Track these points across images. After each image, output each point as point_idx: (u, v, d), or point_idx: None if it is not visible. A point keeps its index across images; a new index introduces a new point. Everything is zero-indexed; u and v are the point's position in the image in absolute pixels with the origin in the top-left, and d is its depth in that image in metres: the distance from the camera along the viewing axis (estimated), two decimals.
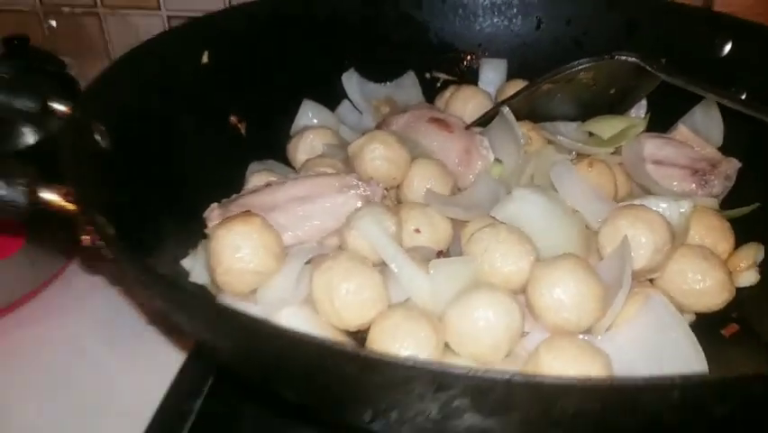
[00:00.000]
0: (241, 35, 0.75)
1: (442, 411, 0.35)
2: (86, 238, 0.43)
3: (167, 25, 1.12)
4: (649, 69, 0.65)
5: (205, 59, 0.71)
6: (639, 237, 0.55)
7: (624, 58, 0.65)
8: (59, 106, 0.52)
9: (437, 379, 0.33)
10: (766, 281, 0.60)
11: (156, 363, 0.65)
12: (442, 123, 0.72)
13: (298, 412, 0.54)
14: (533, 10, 0.84)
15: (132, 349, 0.68)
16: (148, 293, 0.43)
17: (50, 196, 0.41)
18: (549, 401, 0.33)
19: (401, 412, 0.37)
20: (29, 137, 0.69)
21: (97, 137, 0.54)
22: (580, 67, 0.67)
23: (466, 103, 0.76)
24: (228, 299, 0.52)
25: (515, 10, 0.85)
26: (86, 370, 0.65)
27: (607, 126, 0.71)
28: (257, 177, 0.67)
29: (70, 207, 0.41)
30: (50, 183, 0.42)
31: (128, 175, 0.56)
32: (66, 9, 1.11)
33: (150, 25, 1.12)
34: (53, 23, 1.11)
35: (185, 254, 0.57)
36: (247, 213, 0.54)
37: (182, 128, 0.66)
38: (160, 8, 1.11)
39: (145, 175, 0.58)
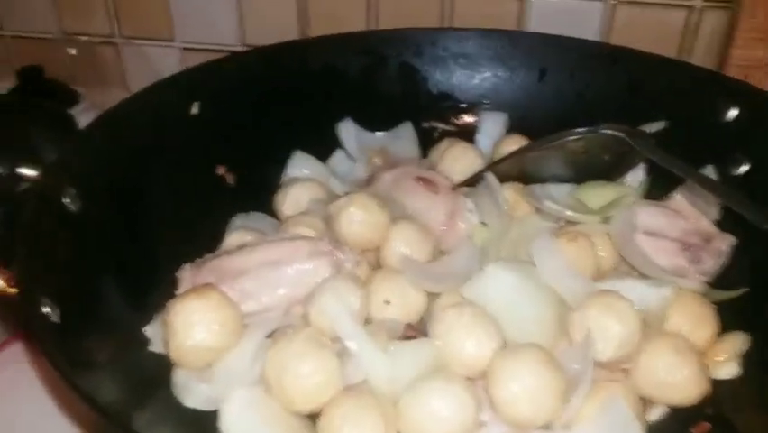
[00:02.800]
0: (233, 86, 0.75)
1: None
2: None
3: (181, 57, 1.13)
4: (634, 145, 0.62)
5: (194, 110, 0.72)
6: (608, 328, 0.53)
7: (610, 132, 0.63)
8: (27, 172, 0.53)
9: None
10: (749, 375, 0.57)
11: None
12: (428, 183, 0.71)
13: None
14: (536, 62, 0.82)
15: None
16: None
17: None
18: None
19: None
20: None
21: (67, 200, 0.54)
22: (568, 138, 0.65)
23: (455, 161, 0.75)
24: (183, 375, 0.52)
25: (518, 61, 0.83)
26: None
27: (597, 195, 0.68)
28: (235, 235, 0.67)
29: (12, 292, 0.42)
30: None
31: (99, 235, 0.56)
32: (84, 38, 1.14)
33: (164, 56, 1.13)
34: (73, 51, 1.13)
35: (150, 319, 0.58)
36: (205, 286, 0.54)
37: (165, 182, 0.67)
38: (174, 40, 1.12)
39: (119, 232, 0.59)
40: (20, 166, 0.52)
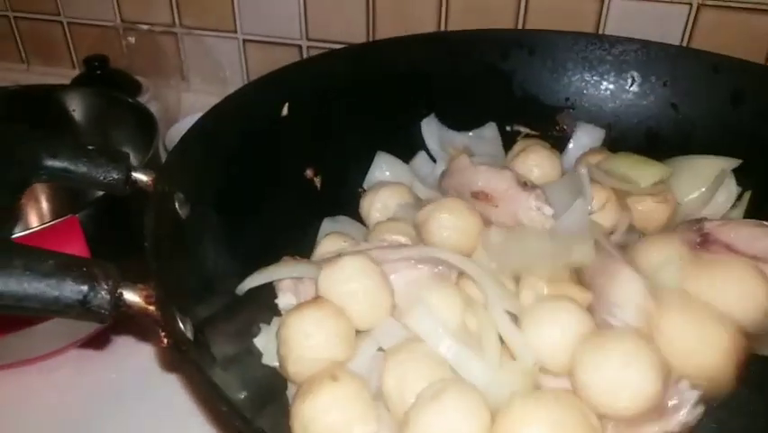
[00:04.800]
0: (321, 87, 0.73)
1: None
2: (163, 340, 0.41)
3: (242, 48, 1.11)
4: None
5: (284, 111, 0.70)
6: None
7: None
8: (141, 177, 0.51)
9: None
10: None
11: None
12: (485, 197, 0.68)
13: None
14: (627, 67, 0.79)
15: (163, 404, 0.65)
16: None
17: (133, 298, 0.40)
18: None
19: None
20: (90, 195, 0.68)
21: (176, 206, 0.53)
22: None
23: (531, 170, 0.72)
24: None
25: (608, 66, 0.80)
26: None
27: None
28: (329, 241, 0.65)
29: (152, 309, 0.40)
30: (133, 284, 0.40)
31: (204, 245, 0.55)
32: (144, 27, 1.12)
33: (225, 47, 1.12)
34: (132, 39, 1.11)
35: (256, 330, 0.56)
36: (318, 298, 0.52)
37: (260, 188, 0.65)
38: (236, 31, 1.10)
39: (221, 242, 0.57)
40: (134, 170, 0.49)
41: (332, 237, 0.66)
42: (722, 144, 0.71)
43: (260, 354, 0.53)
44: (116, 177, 0.50)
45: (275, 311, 0.59)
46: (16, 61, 1.24)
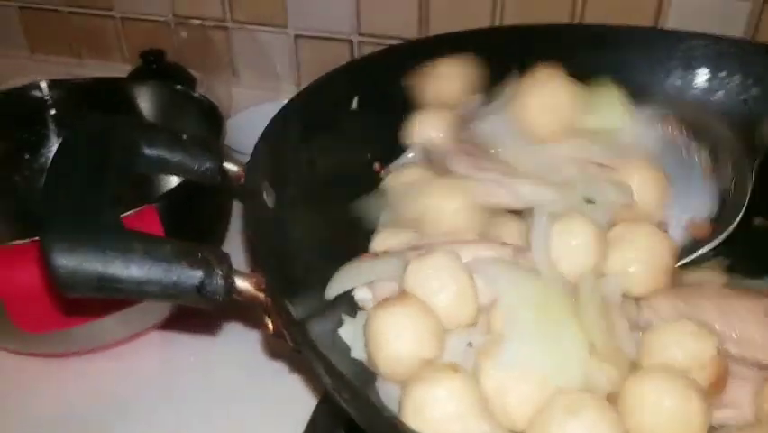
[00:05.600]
0: (385, 78, 0.73)
1: None
2: (269, 325, 0.42)
3: (293, 44, 1.12)
4: None
5: (354, 105, 0.70)
6: None
7: None
8: (232, 167, 0.51)
9: None
10: None
11: (287, 408, 0.65)
12: None
13: None
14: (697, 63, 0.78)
15: (263, 391, 0.67)
16: (328, 386, 0.41)
17: (244, 285, 0.40)
18: None
19: None
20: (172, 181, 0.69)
21: (264, 195, 0.53)
22: None
23: None
24: (387, 386, 0.50)
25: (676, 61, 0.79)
26: (213, 404, 0.65)
27: None
28: (387, 234, 0.63)
29: (262, 296, 0.40)
30: (244, 271, 0.41)
31: (293, 236, 0.55)
32: (196, 21, 1.12)
33: (276, 43, 1.12)
34: (184, 34, 1.12)
35: (340, 322, 0.56)
36: (404, 294, 0.52)
37: (332, 181, 0.65)
38: (287, 26, 1.10)
39: (307, 234, 0.57)
40: (226, 160, 0.50)
41: (389, 231, 0.65)
42: None
43: (347, 348, 0.53)
44: (210, 166, 0.50)
45: (353, 303, 0.59)
46: (69, 55, 1.25)
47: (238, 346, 0.70)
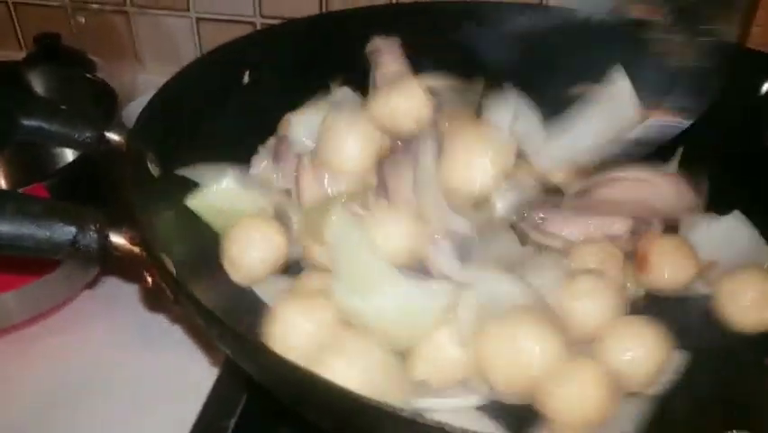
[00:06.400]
0: (280, 53, 0.75)
1: None
2: (148, 280, 0.44)
3: (195, 27, 1.12)
4: None
5: (246, 79, 0.72)
6: None
7: None
8: (113, 136, 0.53)
9: None
10: None
11: (188, 378, 0.66)
12: None
13: None
14: None
15: (164, 361, 0.69)
16: (213, 338, 0.44)
17: (118, 240, 0.42)
18: None
19: None
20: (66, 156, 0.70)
21: (149, 164, 0.55)
22: None
23: None
24: None
25: None
26: (116, 380, 0.66)
27: None
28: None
29: (137, 250, 0.42)
30: (119, 227, 0.43)
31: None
32: (94, 6, 1.11)
33: (178, 26, 1.12)
34: (81, 19, 1.11)
35: None
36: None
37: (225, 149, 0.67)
38: (189, 9, 1.11)
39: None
40: (107, 129, 0.51)
41: None
42: None
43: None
44: (90, 135, 0.52)
45: None
46: None
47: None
